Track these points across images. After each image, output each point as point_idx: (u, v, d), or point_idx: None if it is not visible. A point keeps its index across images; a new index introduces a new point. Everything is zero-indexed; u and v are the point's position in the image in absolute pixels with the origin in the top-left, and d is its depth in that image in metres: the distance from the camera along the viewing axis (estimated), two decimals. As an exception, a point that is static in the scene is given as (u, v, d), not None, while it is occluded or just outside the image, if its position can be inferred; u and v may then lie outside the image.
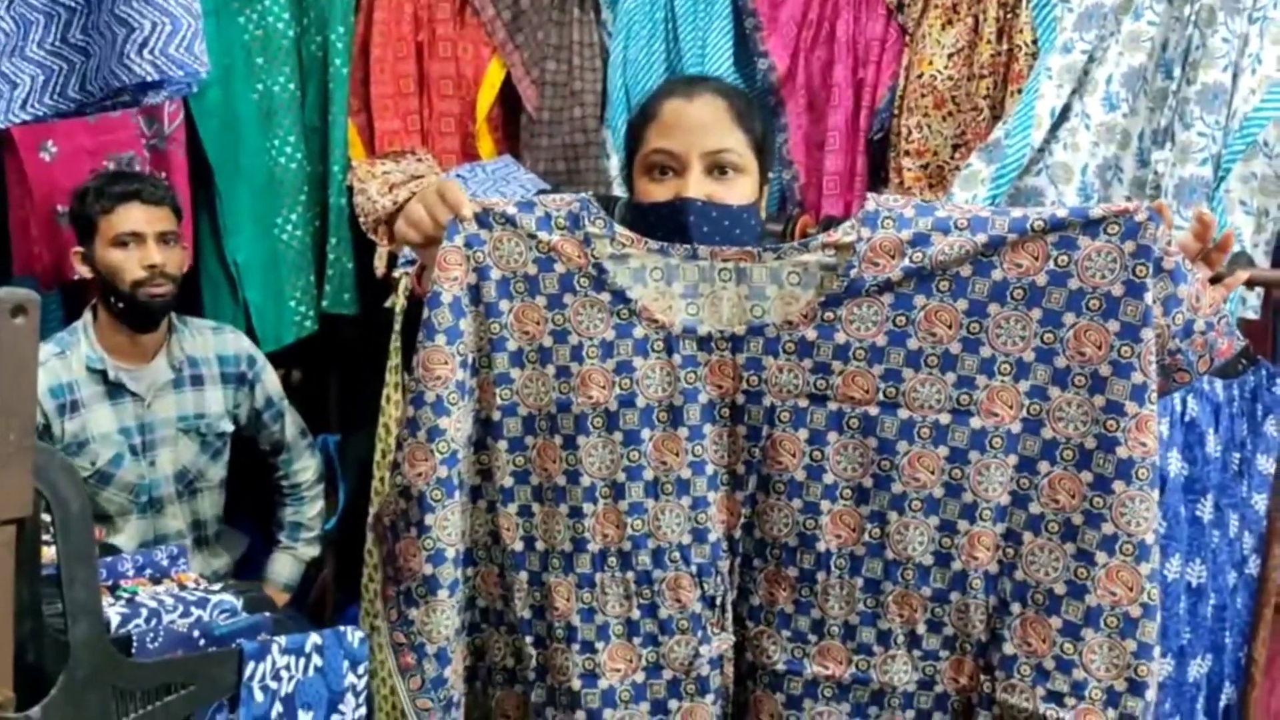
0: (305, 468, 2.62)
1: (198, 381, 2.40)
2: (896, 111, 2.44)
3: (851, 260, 1.27)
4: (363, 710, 1.11)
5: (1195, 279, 1.25)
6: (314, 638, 1.08)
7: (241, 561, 2.63)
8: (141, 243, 2.23)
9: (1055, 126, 2.20)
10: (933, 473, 1.28)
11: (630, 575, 1.37)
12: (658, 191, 1.44)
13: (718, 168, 1.44)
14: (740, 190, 1.45)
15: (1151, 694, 1.26)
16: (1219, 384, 1.95)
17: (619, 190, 2.70)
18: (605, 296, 1.32)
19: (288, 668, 1.03)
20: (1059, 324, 1.24)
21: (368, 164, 2.78)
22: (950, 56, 2.36)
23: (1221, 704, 2.08)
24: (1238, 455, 2.00)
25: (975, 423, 1.27)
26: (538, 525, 1.40)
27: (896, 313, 1.26)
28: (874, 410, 1.29)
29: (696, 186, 1.42)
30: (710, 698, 1.40)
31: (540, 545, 1.40)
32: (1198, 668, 2.03)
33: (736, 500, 1.37)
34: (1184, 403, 1.94)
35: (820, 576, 1.35)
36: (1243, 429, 2.00)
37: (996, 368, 1.25)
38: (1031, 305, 1.25)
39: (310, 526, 2.63)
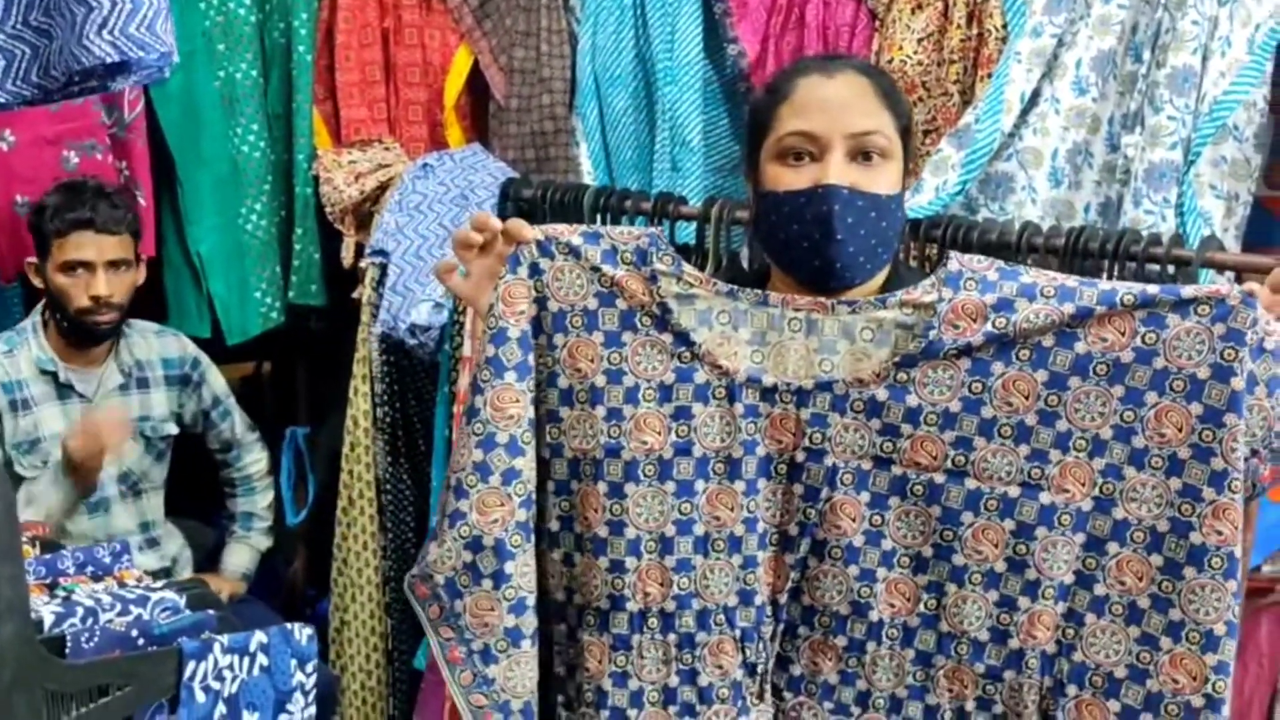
0: (255, 460, 2.63)
1: (143, 385, 2.41)
2: (867, 97, 2.42)
3: (931, 321, 1.21)
4: (312, 710, 1.08)
5: None
6: (259, 636, 1.04)
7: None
8: (90, 271, 2.21)
9: (1025, 111, 2.17)
10: (996, 546, 1.23)
11: (672, 638, 1.30)
12: (794, 179, 1.29)
13: (862, 153, 1.29)
14: (887, 178, 1.31)
15: None
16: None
17: (589, 179, 2.67)
18: (667, 338, 1.25)
19: (231, 667, 1.00)
20: (1140, 403, 1.20)
21: (334, 153, 2.75)
22: (920, 41, 2.34)
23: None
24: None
25: (1045, 498, 1.22)
26: (577, 577, 1.33)
27: (973, 379, 1.21)
28: (940, 478, 1.24)
29: (839, 173, 1.28)
30: None
31: (577, 599, 1.34)
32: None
33: (785, 563, 1.29)
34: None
35: (870, 647, 1.29)
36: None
37: (1072, 443, 1.21)
38: (1114, 381, 1.20)
39: (263, 516, 2.63)
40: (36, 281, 2.26)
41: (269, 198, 2.72)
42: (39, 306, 2.32)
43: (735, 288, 1.27)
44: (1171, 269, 1.93)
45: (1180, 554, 1.19)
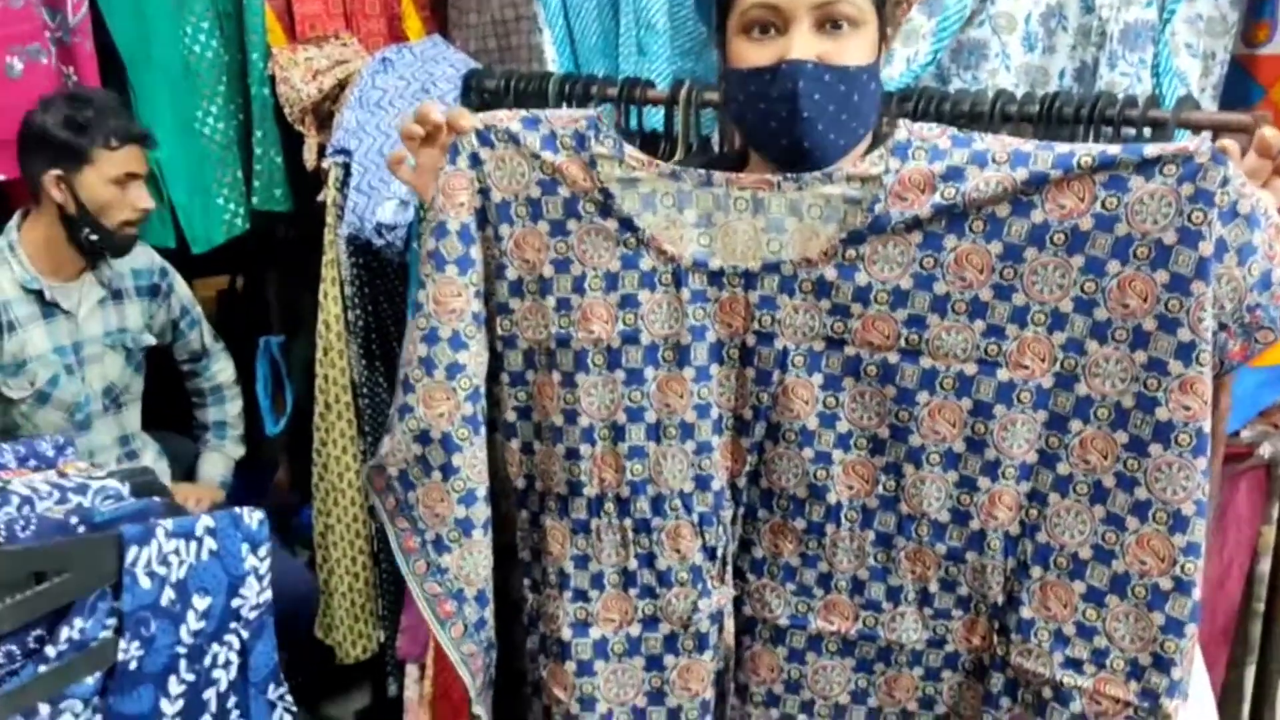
0: (223, 369, 2.62)
1: (119, 297, 2.38)
2: (834, -32, 2.34)
3: (878, 193, 1.15)
4: (267, 594, 1.07)
5: (1270, 223, 1.11)
6: (205, 520, 1.02)
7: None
8: (137, 184, 2.22)
9: (997, -26, 2.12)
10: (954, 426, 1.19)
11: (628, 523, 1.28)
12: (758, 54, 1.22)
13: (829, 21, 1.20)
14: (858, 48, 1.21)
15: (1180, 672, 1.17)
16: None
17: (553, 67, 2.60)
18: (611, 224, 1.21)
19: (177, 552, 0.98)
20: (1102, 272, 1.12)
21: (289, 51, 2.66)
22: (888, -94, 2.26)
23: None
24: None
25: (1003, 375, 1.17)
26: (538, 464, 1.32)
27: (924, 254, 1.15)
28: (894, 357, 1.19)
29: (804, 46, 1.19)
30: (709, 654, 1.33)
31: (539, 485, 1.33)
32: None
33: (742, 446, 1.27)
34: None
35: (829, 529, 1.27)
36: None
37: (1030, 317, 1.15)
38: (1073, 251, 1.13)
39: (235, 424, 2.63)
40: (56, 194, 2.18)
41: (225, 100, 2.64)
42: (13, 224, 2.26)
43: (679, 169, 1.22)
44: (1148, 131, 1.89)
45: (1146, 431, 1.14)
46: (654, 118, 2.40)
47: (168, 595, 0.98)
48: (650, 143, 2.44)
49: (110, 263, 2.34)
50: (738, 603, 1.35)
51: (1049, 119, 1.98)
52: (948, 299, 1.16)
